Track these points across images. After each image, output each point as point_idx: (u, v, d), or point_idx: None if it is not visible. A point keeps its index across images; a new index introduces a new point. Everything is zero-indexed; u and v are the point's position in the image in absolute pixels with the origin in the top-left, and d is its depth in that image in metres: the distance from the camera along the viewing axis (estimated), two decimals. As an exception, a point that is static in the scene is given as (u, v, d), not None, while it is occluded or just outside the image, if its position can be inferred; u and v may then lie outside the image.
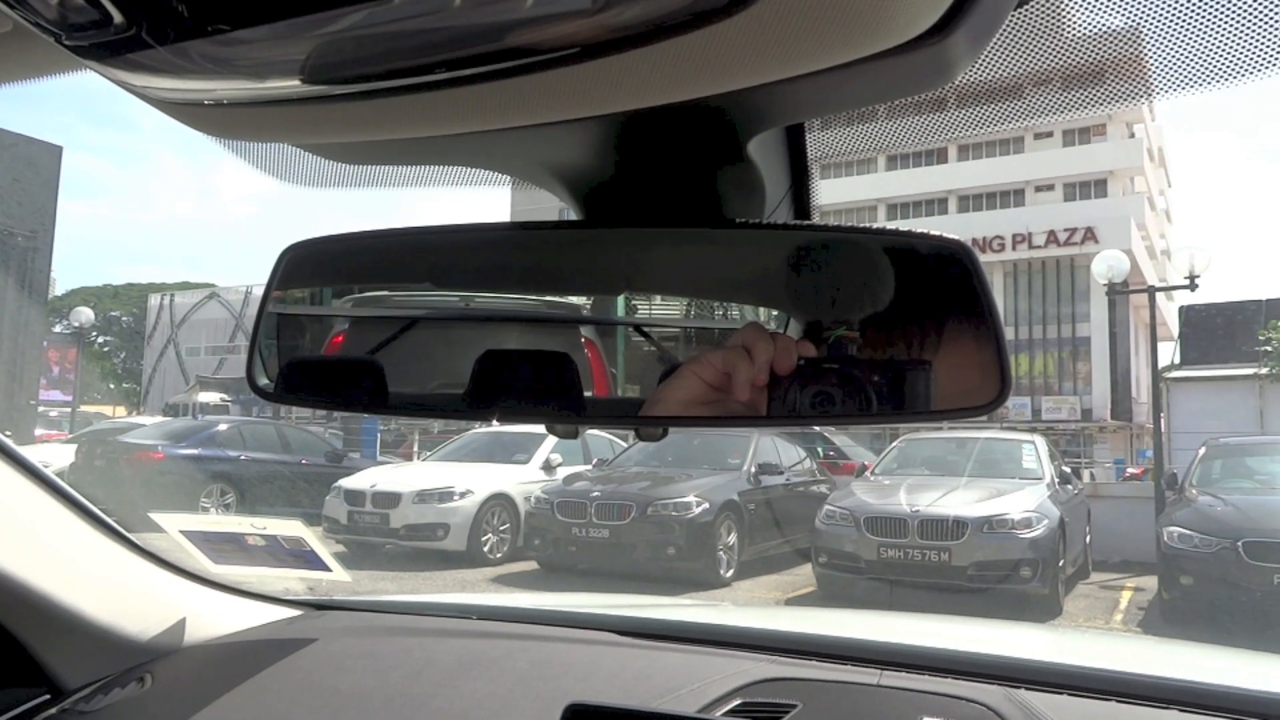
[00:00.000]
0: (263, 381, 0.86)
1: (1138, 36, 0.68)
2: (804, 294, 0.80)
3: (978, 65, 0.70)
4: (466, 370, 0.81)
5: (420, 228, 0.83)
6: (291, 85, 0.53)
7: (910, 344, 0.76)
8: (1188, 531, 8.21)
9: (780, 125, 0.79)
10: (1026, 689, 1.26)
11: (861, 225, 0.78)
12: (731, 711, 1.26)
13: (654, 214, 0.78)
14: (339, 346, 0.91)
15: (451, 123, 0.59)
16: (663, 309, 0.91)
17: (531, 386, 0.83)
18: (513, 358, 0.86)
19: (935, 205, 43.47)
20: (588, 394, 0.83)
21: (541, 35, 0.48)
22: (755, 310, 0.93)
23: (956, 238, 0.74)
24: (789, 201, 0.87)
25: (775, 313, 0.90)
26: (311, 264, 0.87)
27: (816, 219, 0.90)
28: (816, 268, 0.78)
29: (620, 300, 0.92)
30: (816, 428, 16.29)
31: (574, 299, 0.95)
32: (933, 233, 0.75)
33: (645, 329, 0.87)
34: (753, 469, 10.84)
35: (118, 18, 0.47)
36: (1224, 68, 0.65)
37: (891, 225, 0.79)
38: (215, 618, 1.65)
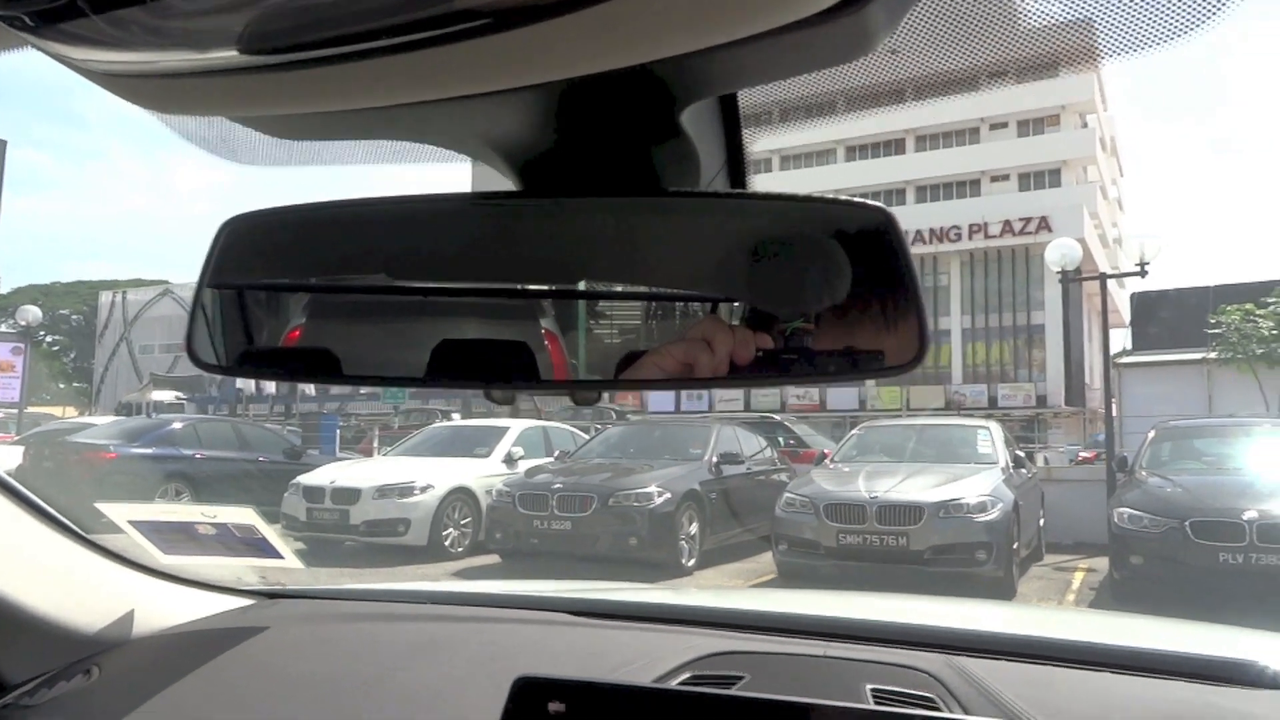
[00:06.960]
0: (206, 356, 0.86)
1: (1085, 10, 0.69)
2: (759, 286, 0.82)
3: (921, 33, 0.71)
4: (424, 360, 0.82)
5: (365, 199, 0.84)
6: (229, 55, 0.54)
7: (852, 319, 0.78)
8: (1137, 512, 8.37)
9: (712, 96, 0.81)
10: (967, 656, 1.30)
11: (790, 193, 0.80)
12: (682, 684, 1.28)
13: (591, 184, 0.80)
14: (296, 341, 0.91)
15: (387, 93, 0.60)
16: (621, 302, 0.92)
17: (489, 371, 0.84)
18: (470, 347, 0.87)
19: (893, 196, 43.90)
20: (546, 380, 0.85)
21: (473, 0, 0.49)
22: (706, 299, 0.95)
23: (879, 205, 0.77)
24: (724, 174, 0.90)
25: (735, 304, 0.92)
26: (251, 237, 0.87)
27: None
28: (773, 260, 0.81)
29: (580, 302, 0.93)
30: (777, 417, 16.46)
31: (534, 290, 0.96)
32: (857, 200, 0.78)
33: (607, 318, 0.89)
34: (714, 459, 10.89)
35: None
36: (1167, 27, 0.67)
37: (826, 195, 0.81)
38: (165, 609, 1.63)
